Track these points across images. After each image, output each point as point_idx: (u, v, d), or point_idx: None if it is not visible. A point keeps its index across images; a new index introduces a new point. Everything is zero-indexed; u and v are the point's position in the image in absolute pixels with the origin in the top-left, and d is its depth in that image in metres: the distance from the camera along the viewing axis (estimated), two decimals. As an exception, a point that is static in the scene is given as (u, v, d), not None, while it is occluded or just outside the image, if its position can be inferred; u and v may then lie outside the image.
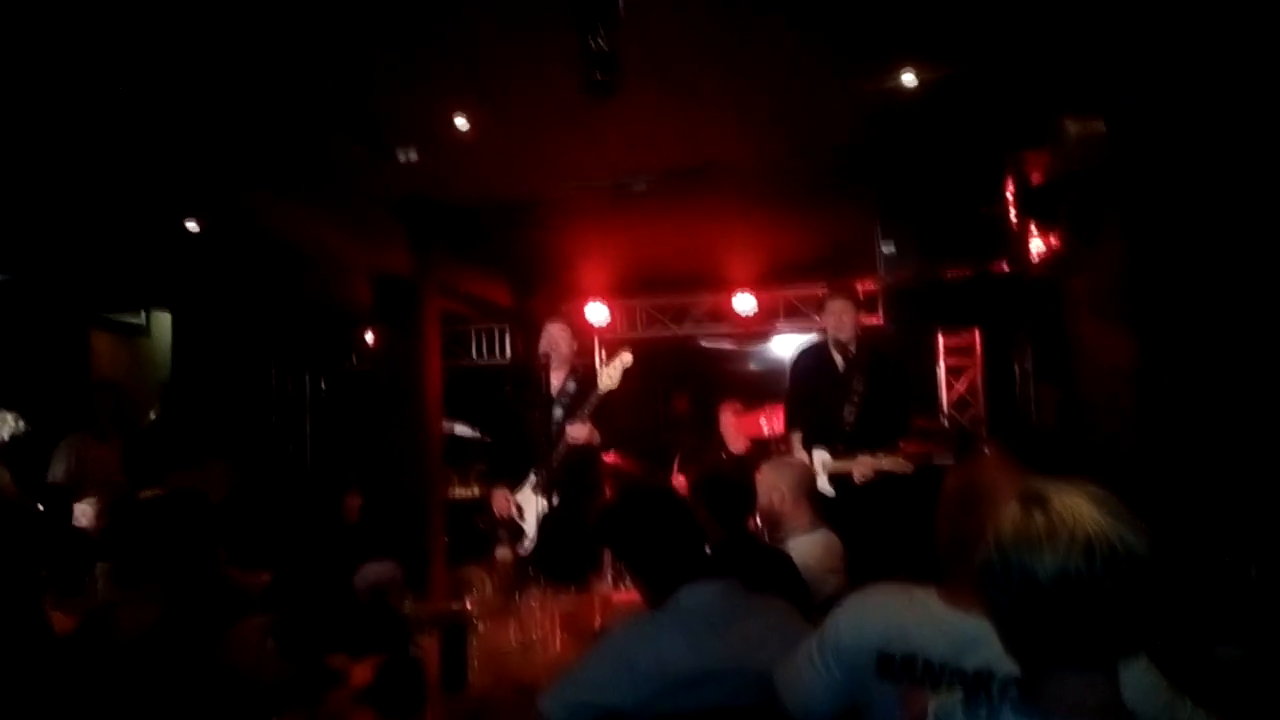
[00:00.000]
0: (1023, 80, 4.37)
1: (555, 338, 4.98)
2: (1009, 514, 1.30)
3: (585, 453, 4.84)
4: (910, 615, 1.83)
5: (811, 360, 5.22)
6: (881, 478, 4.71)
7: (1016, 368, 7.19)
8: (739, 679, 2.21)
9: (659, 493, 2.77)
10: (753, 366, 9.42)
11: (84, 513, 5.28)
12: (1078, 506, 1.26)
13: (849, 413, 4.89)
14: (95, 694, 2.37)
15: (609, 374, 4.80)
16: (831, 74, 4.36)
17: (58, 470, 5.46)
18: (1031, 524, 1.27)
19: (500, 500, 4.93)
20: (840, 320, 5.02)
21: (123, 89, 4.05)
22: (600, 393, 4.76)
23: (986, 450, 5.62)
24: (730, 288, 8.20)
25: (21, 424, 5.21)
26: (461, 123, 4.57)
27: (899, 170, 5.50)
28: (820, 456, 4.87)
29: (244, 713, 2.38)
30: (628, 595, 3.63)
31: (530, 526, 4.82)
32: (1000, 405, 7.44)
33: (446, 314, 7.41)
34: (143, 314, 9.05)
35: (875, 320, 7.46)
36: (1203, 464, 3.99)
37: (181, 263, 7.07)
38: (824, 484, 4.69)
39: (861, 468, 4.74)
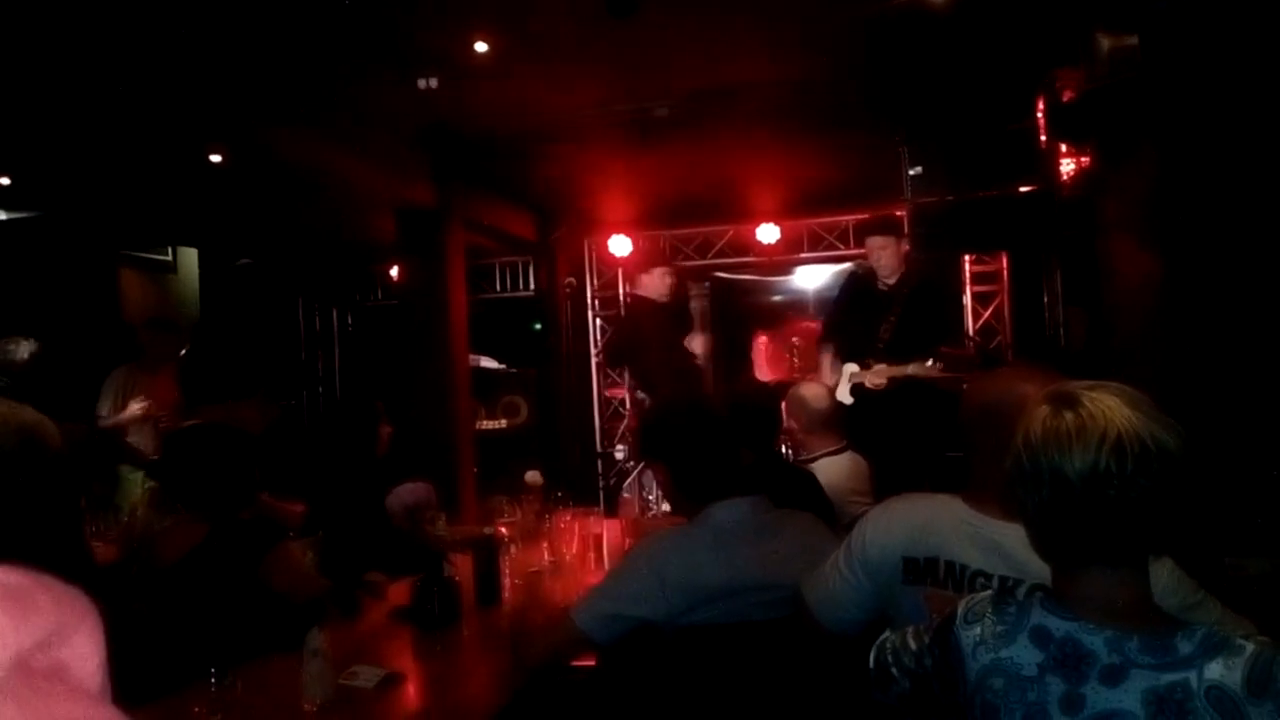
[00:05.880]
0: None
1: (655, 283, 6.14)
2: (1038, 414, 1.29)
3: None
4: (936, 521, 1.83)
5: (858, 283, 5.45)
6: (896, 385, 4.89)
7: (1045, 292, 7.10)
8: (768, 592, 2.24)
9: (700, 403, 2.79)
10: (777, 298, 9.38)
11: (139, 408, 5.36)
12: (1108, 404, 1.25)
13: (885, 330, 5.06)
14: (141, 614, 2.44)
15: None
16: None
17: (105, 403, 5.55)
18: (1061, 423, 1.26)
19: None
20: (879, 255, 5.13)
21: (144, 19, 4.03)
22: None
23: (1012, 367, 5.64)
24: (754, 218, 8.13)
25: (36, 347, 5.14)
26: (481, 46, 4.52)
27: (926, 91, 5.40)
28: (849, 368, 5.05)
29: (284, 628, 2.44)
30: (654, 522, 3.69)
31: None
32: (1028, 330, 7.37)
33: (470, 247, 7.40)
34: (169, 251, 9.10)
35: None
36: (1231, 385, 3.96)
37: (206, 199, 7.08)
38: (844, 393, 4.82)
39: (875, 375, 4.86)
